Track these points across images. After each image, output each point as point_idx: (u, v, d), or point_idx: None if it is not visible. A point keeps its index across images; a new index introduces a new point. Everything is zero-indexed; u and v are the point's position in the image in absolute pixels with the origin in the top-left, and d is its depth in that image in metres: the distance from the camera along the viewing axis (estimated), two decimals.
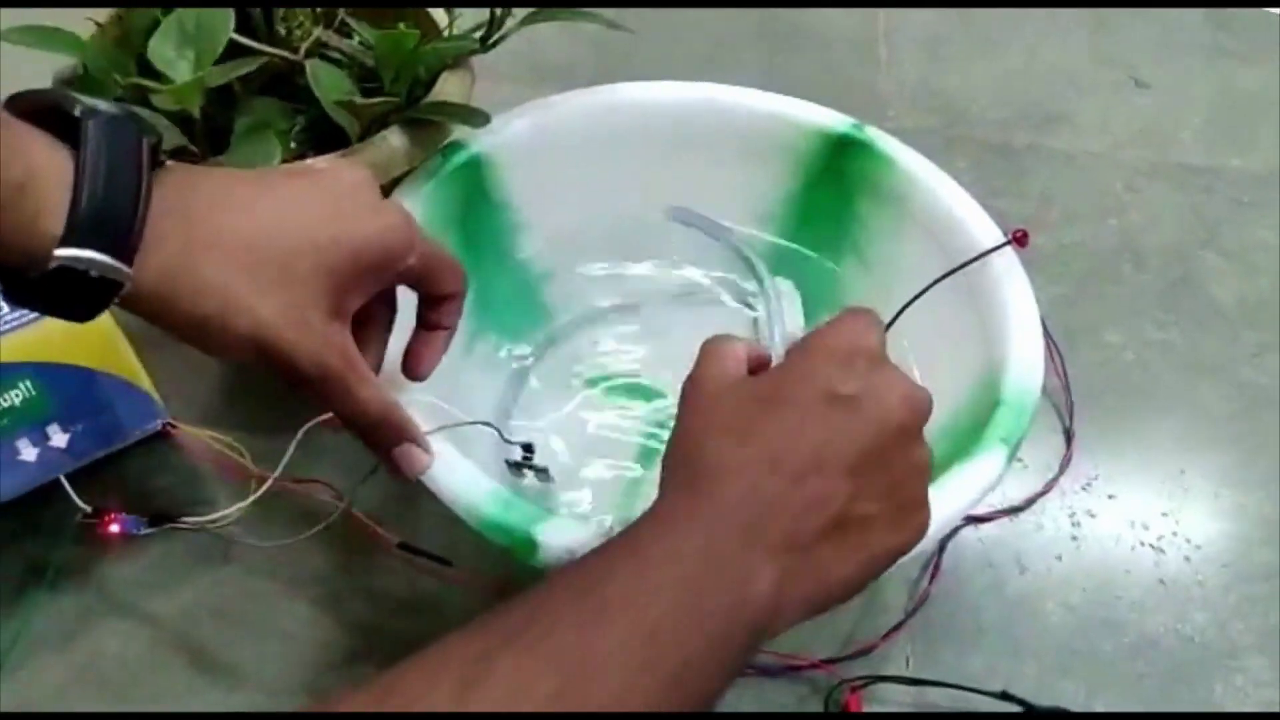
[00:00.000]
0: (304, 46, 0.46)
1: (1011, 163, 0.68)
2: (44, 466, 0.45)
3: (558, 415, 0.49)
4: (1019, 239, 0.45)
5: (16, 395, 0.44)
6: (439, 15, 0.51)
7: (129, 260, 0.28)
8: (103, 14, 0.47)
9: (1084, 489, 0.51)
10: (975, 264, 0.44)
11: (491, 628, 0.26)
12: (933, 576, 0.46)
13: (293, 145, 0.46)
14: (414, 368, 0.39)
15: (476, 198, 0.49)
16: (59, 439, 0.45)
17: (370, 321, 0.37)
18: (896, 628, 0.44)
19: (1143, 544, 0.49)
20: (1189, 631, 0.46)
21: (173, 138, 0.43)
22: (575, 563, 0.28)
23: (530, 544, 0.35)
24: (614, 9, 0.49)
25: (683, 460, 0.30)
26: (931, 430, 0.31)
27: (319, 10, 0.48)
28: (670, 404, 0.50)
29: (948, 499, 0.36)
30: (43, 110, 0.29)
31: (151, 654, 0.43)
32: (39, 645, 0.43)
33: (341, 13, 0.49)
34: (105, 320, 0.45)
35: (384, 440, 0.36)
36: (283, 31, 0.47)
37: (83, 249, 0.28)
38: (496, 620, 0.26)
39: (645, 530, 0.28)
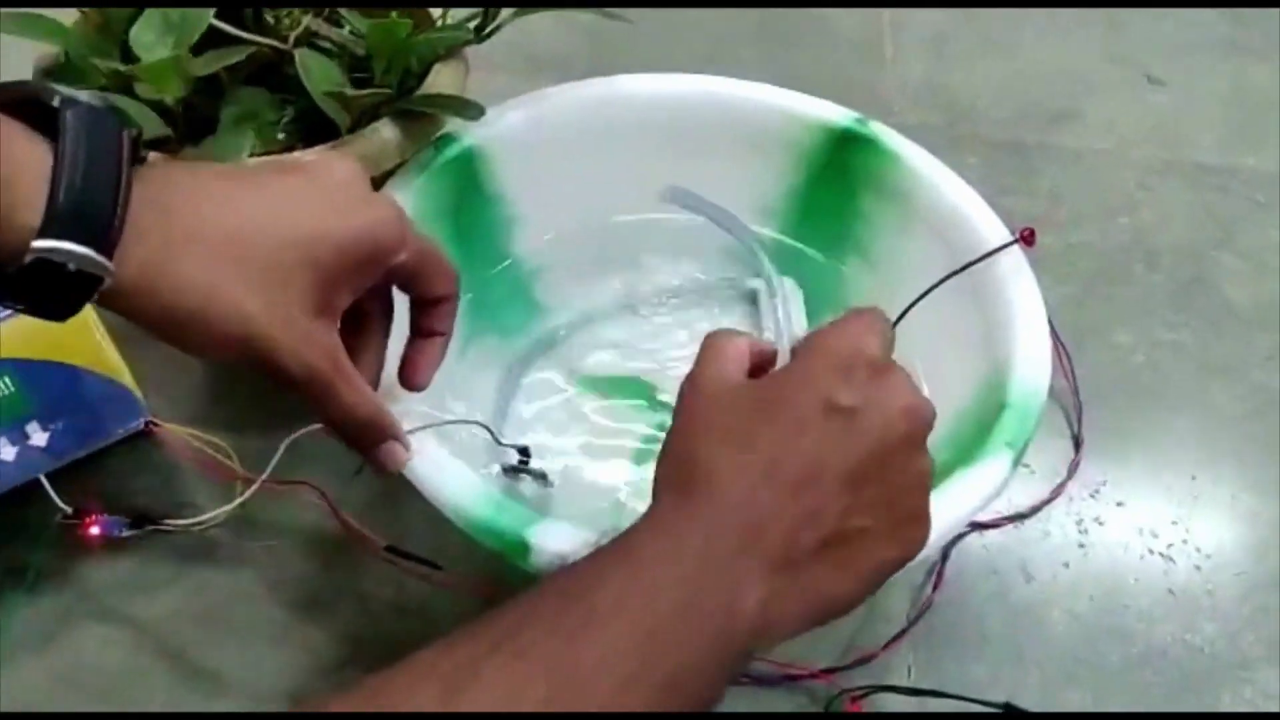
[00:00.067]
0: (293, 35, 0.46)
1: (1020, 161, 0.68)
2: (23, 466, 0.45)
3: (555, 417, 0.49)
4: (1026, 237, 0.45)
5: None
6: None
7: (109, 253, 0.28)
8: None
9: (1092, 495, 0.51)
10: (981, 263, 0.45)
11: (480, 634, 0.26)
12: (936, 584, 0.46)
13: (281, 137, 0.46)
14: (411, 377, 0.38)
15: (470, 192, 0.49)
16: (39, 438, 0.45)
17: (366, 327, 0.37)
18: (898, 636, 0.45)
19: (1152, 552, 0.49)
20: (1198, 642, 0.46)
21: (155, 127, 0.43)
22: (567, 568, 0.28)
23: (523, 547, 0.35)
24: (614, 9, 0.49)
25: (678, 462, 0.30)
26: (934, 434, 0.31)
27: None
28: (669, 402, 0.50)
29: (951, 505, 0.36)
30: (21, 102, 0.29)
31: (133, 659, 0.43)
32: (17, 649, 0.43)
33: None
34: (87, 315, 0.45)
35: (368, 441, 0.36)
36: (271, 20, 0.47)
37: (61, 241, 0.27)
38: (485, 626, 0.26)
39: (638, 538, 0.28)
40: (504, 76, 0.56)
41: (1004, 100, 0.72)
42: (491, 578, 0.44)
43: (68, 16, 0.46)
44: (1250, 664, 0.45)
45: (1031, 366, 0.41)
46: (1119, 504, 0.51)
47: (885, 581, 0.30)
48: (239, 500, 0.42)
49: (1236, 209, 0.65)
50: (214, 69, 0.43)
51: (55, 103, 0.29)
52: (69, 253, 0.28)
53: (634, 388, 0.50)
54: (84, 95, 0.29)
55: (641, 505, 0.30)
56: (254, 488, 0.40)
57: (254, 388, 0.50)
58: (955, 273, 0.44)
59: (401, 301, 0.39)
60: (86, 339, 0.45)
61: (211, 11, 0.43)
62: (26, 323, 0.44)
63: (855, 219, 0.51)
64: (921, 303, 0.43)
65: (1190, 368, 0.56)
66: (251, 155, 0.43)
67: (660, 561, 0.27)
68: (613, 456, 0.48)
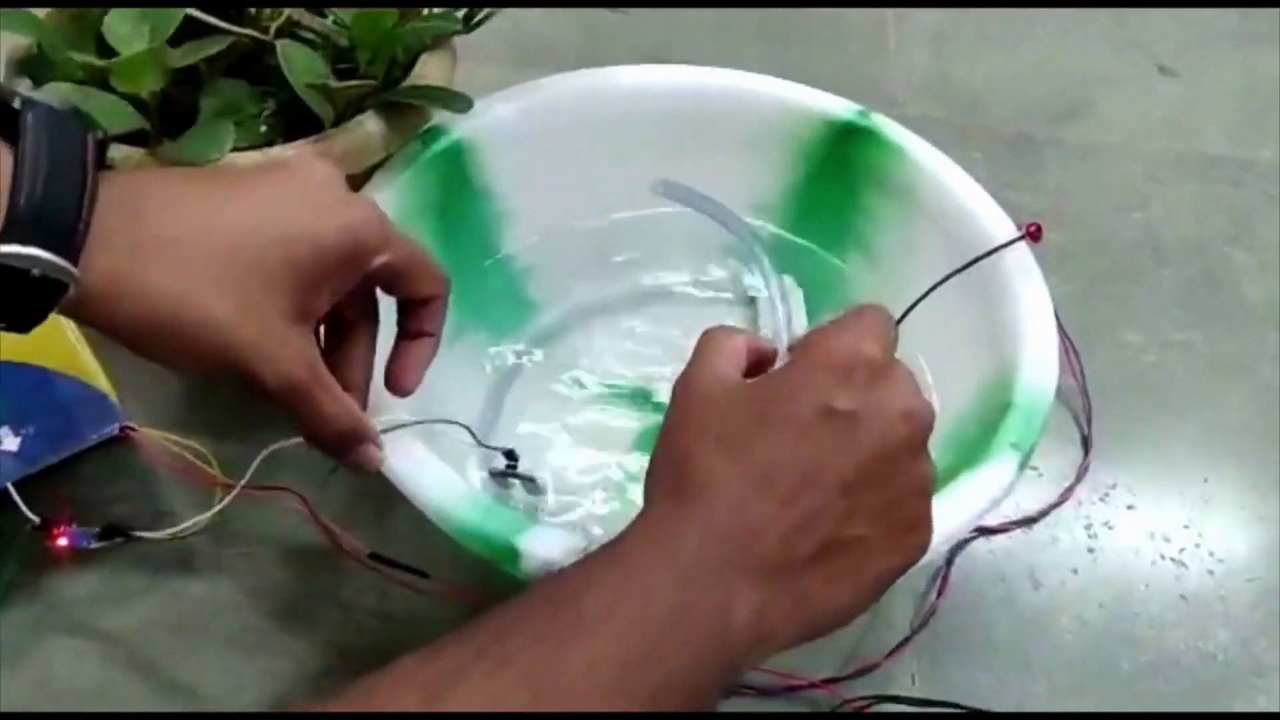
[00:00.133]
0: (274, 25, 0.46)
1: (1026, 155, 0.68)
2: None
3: (546, 419, 0.49)
4: (1032, 233, 0.45)
5: None
6: None
7: (73, 259, 0.28)
8: None
9: (1102, 499, 0.51)
10: (987, 259, 0.44)
11: (465, 640, 0.26)
12: (941, 590, 0.46)
13: (263, 130, 0.46)
14: (398, 380, 0.38)
15: (458, 186, 0.49)
16: (9, 443, 0.45)
17: (350, 338, 0.37)
18: (902, 644, 0.44)
19: (1163, 557, 0.49)
20: (1211, 649, 0.46)
21: (132, 120, 0.42)
22: (555, 574, 0.28)
23: (512, 553, 0.35)
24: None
25: (671, 466, 0.30)
26: (938, 436, 0.31)
27: None
28: (664, 403, 0.49)
29: (955, 509, 0.36)
30: None
31: (106, 672, 0.43)
32: None
33: None
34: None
35: (344, 448, 0.36)
36: (252, 10, 0.46)
37: (23, 246, 0.27)
38: (471, 632, 0.26)
39: (629, 544, 0.28)
40: (493, 67, 0.56)
41: (1010, 92, 0.72)
42: (479, 584, 0.43)
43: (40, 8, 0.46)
44: (1265, 671, 0.45)
45: (1038, 366, 0.41)
46: (1129, 507, 0.50)
47: (886, 591, 0.30)
48: (217, 507, 0.42)
49: (1249, 203, 0.65)
50: (192, 60, 0.43)
51: (16, 104, 0.28)
52: (31, 258, 0.27)
53: (628, 388, 0.50)
54: (46, 98, 0.29)
55: (634, 510, 0.30)
56: (233, 494, 0.40)
57: (233, 392, 0.49)
58: (960, 269, 0.44)
59: (387, 306, 0.38)
60: (60, 340, 0.45)
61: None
62: None
63: (857, 214, 0.51)
64: (926, 300, 0.43)
65: (1201, 367, 0.56)
66: (233, 150, 0.42)
67: (651, 568, 0.27)
68: (605, 458, 0.48)
